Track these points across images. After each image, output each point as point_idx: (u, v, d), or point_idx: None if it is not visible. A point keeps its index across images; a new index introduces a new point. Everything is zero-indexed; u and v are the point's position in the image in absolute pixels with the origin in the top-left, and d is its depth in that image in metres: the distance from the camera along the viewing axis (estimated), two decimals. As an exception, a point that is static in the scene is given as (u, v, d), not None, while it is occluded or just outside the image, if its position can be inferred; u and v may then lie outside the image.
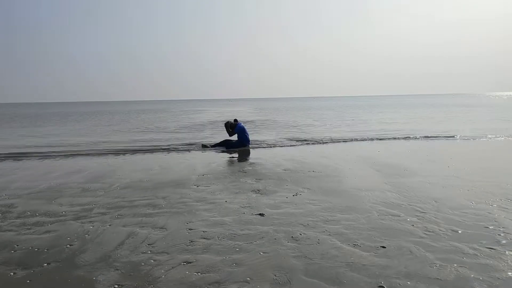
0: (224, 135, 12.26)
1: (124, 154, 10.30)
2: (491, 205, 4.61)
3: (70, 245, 3.67)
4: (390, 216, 4.30)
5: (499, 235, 3.67)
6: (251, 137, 11.69)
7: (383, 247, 3.44)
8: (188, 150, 10.75)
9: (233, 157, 9.45)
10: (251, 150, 10.68)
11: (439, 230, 3.84)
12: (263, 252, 3.40)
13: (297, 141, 12.59)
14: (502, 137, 12.14)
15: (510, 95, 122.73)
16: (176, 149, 11.03)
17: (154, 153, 10.49)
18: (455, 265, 3.05)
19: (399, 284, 2.78)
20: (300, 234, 3.80)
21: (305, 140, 12.59)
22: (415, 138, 12.58)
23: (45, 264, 3.24)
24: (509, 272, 2.93)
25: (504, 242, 3.50)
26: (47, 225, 4.29)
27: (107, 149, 11.27)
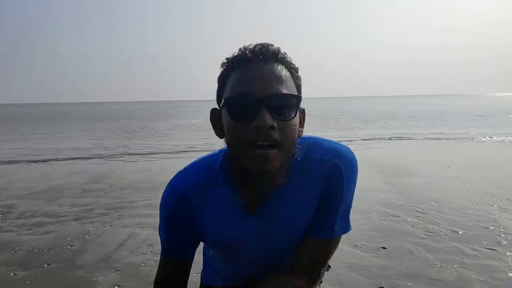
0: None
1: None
2: (492, 206, 4.61)
3: (70, 245, 3.67)
4: (390, 217, 4.30)
5: (500, 236, 3.67)
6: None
7: (384, 247, 3.44)
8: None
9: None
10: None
11: (440, 230, 3.84)
12: (263, 253, 3.40)
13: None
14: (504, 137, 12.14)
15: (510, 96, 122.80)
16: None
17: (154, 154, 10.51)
18: (456, 266, 3.05)
19: (399, 284, 2.78)
20: (301, 235, 3.80)
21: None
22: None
23: (46, 265, 3.24)
24: (510, 273, 2.93)
25: (504, 243, 3.50)
26: (48, 225, 4.29)
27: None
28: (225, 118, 1.09)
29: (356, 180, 1.26)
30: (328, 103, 79.67)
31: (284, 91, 1.04)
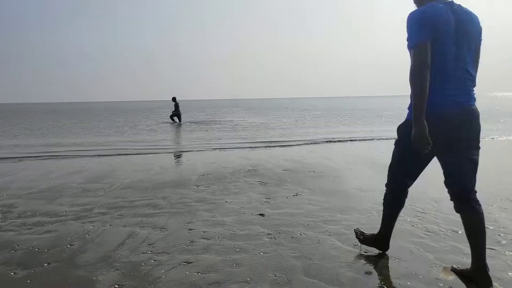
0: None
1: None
2: (491, 206, 4.61)
3: (70, 245, 3.68)
4: (390, 217, 4.30)
5: (499, 235, 3.67)
6: None
7: (383, 247, 3.44)
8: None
9: (233, 157, 9.46)
10: (251, 150, 10.68)
11: (439, 230, 3.85)
12: (263, 252, 3.40)
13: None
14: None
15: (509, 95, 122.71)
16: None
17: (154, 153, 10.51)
18: (456, 265, 3.05)
19: (399, 284, 2.79)
20: (300, 234, 3.81)
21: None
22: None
23: (46, 264, 3.24)
24: (510, 272, 2.94)
25: (504, 242, 3.50)
26: (48, 225, 4.29)
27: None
28: None
29: None
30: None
31: None
